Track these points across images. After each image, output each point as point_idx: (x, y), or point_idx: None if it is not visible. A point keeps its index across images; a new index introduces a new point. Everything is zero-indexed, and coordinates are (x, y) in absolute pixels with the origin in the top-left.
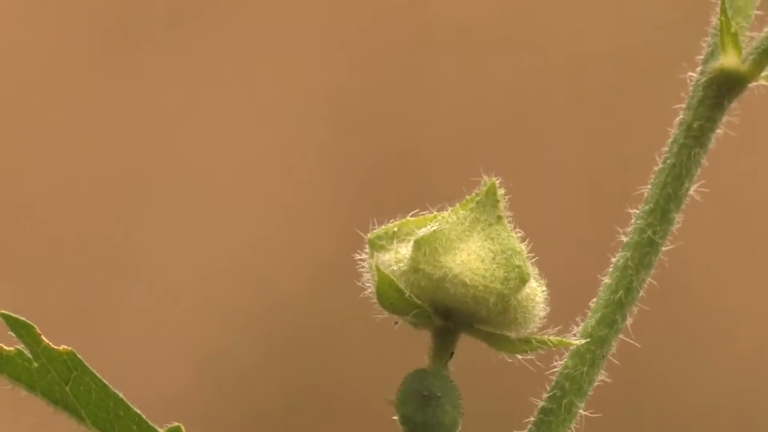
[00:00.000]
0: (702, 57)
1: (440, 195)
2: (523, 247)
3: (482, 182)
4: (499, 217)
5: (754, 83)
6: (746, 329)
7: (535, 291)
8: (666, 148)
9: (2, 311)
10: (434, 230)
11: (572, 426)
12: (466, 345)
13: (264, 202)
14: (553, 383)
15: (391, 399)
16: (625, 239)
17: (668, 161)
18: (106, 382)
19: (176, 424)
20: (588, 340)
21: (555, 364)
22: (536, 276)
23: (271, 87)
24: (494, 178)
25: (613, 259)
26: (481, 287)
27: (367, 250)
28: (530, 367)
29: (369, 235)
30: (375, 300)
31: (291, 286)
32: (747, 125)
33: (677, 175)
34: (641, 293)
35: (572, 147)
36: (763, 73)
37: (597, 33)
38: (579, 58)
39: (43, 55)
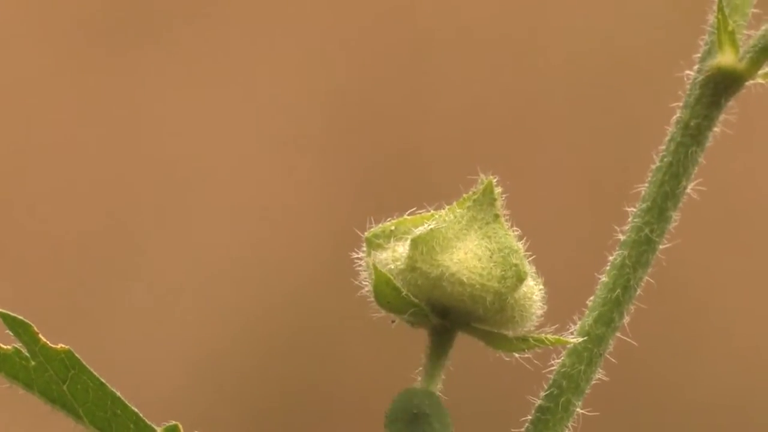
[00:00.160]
0: (699, 55)
1: (438, 194)
2: (520, 245)
3: (479, 181)
4: (496, 216)
5: (751, 81)
6: (743, 327)
7: (532, 289)
8: (663, 147)
9: (0, 310)
10: (431, 229)
11: (569, 424)
12: (463, 343)
13: (263, 202)
14: (551, 381)
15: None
16: (622, 237)
17: (665, 159)
18: (103, 380)
19: (174, 422)
20: (585, 338)
21: (552, 362)
22: (533, 274)
23: (271, 87)
24: (491, 177)
25: (611, 258)
26: (478, 286)
27: (365, 249)
28: (527, 366)
29: (366, 233)
30: (372, 298)
31: (289, 285)
32: (744, 123)
33: (674, 174)
34: (638, 291)
35: (569, 145)
36: (760, 72)
37: (594, 32)
38: (576, 56)
39: (43, 55)
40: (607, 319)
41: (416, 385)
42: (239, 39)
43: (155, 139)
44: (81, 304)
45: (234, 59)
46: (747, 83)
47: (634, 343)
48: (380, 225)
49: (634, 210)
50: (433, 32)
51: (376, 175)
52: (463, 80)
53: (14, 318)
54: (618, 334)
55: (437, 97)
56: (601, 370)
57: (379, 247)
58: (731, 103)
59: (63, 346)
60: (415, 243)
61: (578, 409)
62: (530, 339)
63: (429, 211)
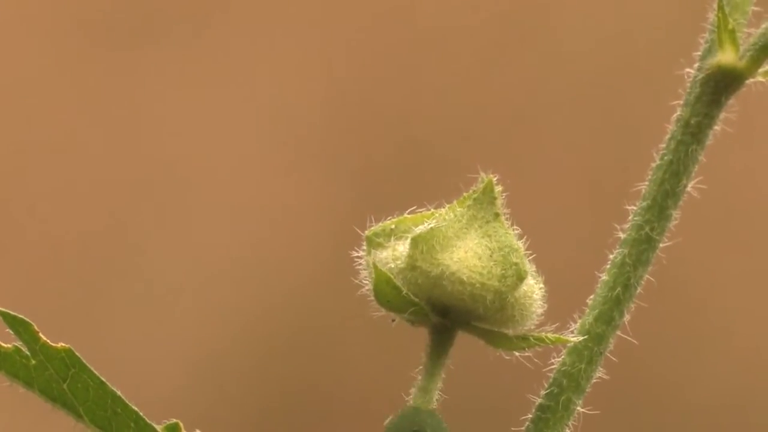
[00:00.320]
0: (699, 53)
1: (438, 192)
2: (520, 244)
3: (479, 179)
4: (497, 214)
5: (752, 80)
6: (744, 326)
7: (533, 288)
8: (663, 145)
9: (0, 309)
10: (431, 227)
11: (570, 423)
12: (463, 342)
13: (263, 202)
14: (551, 380)
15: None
16: (622, 236)
17: (666, 158)
18: (103, 379)
19: (174, 420)
20: (586, 337)
21: (552, 361)
22: (534, 273)
23: (271, 87)
24: (491, 175)
25: (611, 256)
26: (478, 284)
27: (365, 248)
28: (528, 365)
29: (366, 232)
30: (372, 297)
31: (289, 285)
32: (744, 122)
33: (675, 172)
34: (639, 290)
35: (569, 144)
36: (761, 70)
37: (594, 31)
38: (575, 55)
39: (43, 55)
40: (608, 318)
41: (417, 402)
42: (239, 39)
43: (155, 139)
44: (81, 303)
45: (234, 59)
46: (747, 81)
47: (635, 342)
48: (380, 224)
49: (635, 208)
50: (433, 32)
51: (376, 175)
52: (463, 80)
53: (14, 317)
54: (618, 333)
55: (437, 96)
56: (601, 369)
57: (380, 245)
58: (731, 101)
59: (63, 344)
60: (415, 242)
61: (579, 408)
62: (530, 338)
63: (429, 210)
